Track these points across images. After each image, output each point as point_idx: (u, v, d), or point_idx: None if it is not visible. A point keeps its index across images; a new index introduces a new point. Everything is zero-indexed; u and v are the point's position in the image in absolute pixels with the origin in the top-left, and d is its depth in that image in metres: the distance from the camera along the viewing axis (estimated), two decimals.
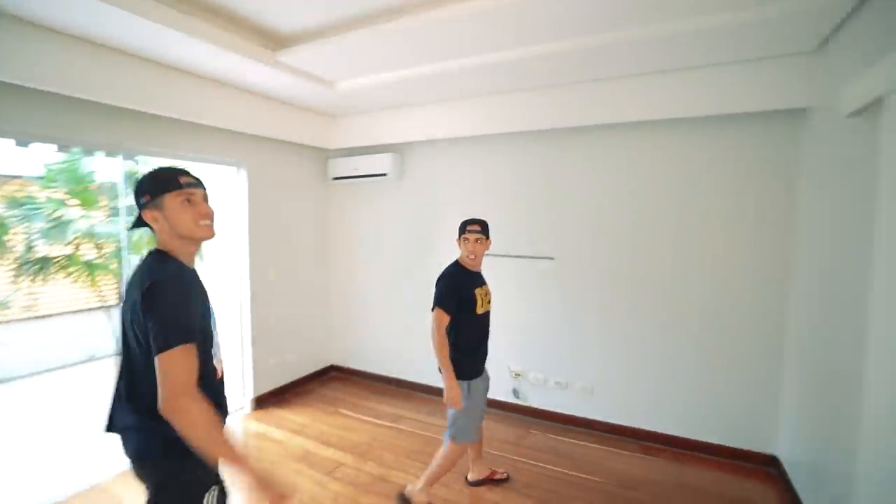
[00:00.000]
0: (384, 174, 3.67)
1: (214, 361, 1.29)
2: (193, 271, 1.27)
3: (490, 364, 2.40)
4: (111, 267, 4.71)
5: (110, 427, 1.23)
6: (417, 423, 3.29)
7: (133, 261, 4.95)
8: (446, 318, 2.14)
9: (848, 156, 1.87)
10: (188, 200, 1.21)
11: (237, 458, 1.11)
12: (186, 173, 1.24)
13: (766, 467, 2.66)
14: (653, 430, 2.99)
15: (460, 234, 2.26)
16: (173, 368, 1.08)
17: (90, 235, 4.60)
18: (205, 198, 1.27)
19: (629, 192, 2.96)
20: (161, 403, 1.07)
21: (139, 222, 1.24)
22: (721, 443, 2.80)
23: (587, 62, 2.50)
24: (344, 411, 3.48)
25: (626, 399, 3.06)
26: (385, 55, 2.53)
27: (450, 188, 3.59)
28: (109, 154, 2.70)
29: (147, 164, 4.90)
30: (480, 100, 3.18)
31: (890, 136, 1.44)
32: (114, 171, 4.75)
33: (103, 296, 5.00)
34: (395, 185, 3.84)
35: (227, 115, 2.99)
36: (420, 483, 2.26)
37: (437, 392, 3.68)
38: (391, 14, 2.14)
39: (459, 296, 2.18)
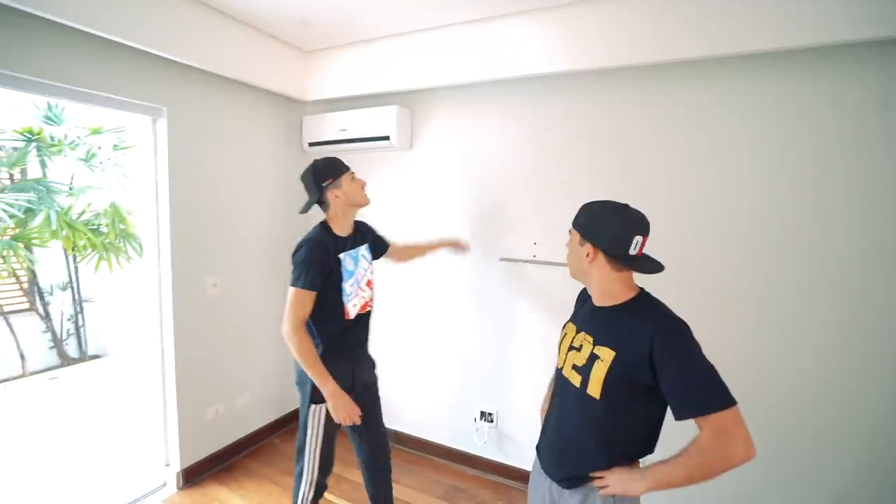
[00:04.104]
0: (385, 137, 2.46)
1: (347, 306, 1.64)
2: (344, 238, 1.67)
3: None
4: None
5: None
6: None
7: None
8: None
9: None
10: (353, 178, 1.67)
11: (321, 374, 1.55)
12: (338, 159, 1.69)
13: None
14: None
15: None
16: (295, 302, 1.53)
17: None
18: None
19: (766, 168, 1.81)
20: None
21: (315, 203, 1.65)
22: None
23: None
24: None
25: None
26: None
27: (489, 161, 2.39)
28: None
29: None
30: (544, 15, 2.00)
31: None
32: None
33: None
34: (402, 155, 2.63)
35: (148, 31, 1.80)
36: None
37: (465, 460, 2.57)
38: None
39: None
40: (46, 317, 3.99)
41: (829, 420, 1.79)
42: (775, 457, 1.87)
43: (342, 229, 1.68)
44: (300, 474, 1.68)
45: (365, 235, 1.81)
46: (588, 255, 1.08)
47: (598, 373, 1.04)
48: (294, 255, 1.56)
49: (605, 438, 1.08)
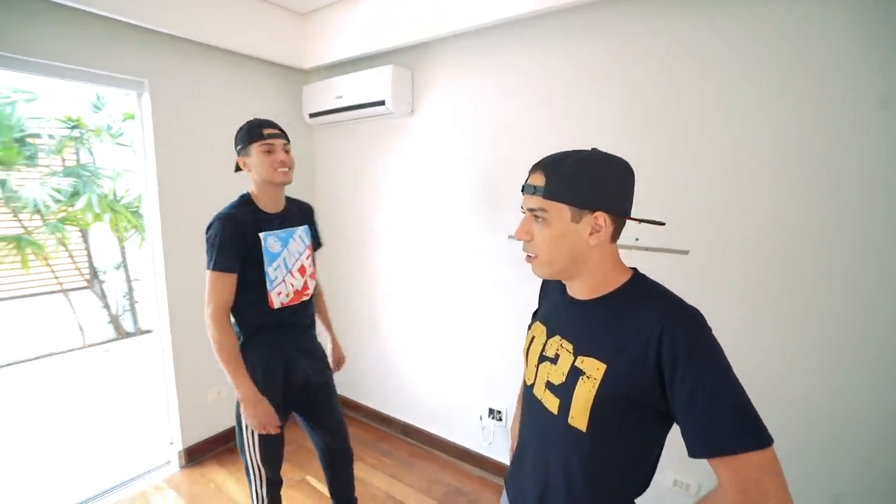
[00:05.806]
0: (380, 102, 2.22)
1: (272, 294, 1.41)
2: (271, 215, 1.45)
3: None
4: (48, 243, 3.69)
5: None
6: None
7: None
8: None
9: None
10: (268, 151, 1.37)
11: (236, 375, 1.34)
12: (271, 125, 1.43)
13: None
14: None
15: None
16: (211, 287, 1.35)
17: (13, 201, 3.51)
18: (285, 147, 1.43)
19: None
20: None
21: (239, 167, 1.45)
22: None
23: None
24: (313, 481, 2.23)
25: None
26: None
27: (495, 124, 2.07)
28: None
29: None
30: None
31: None
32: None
33: (59, 278, 4.07)
34: (402, 123, 2.38)
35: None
36: None
37: (472, 459, 2.34)
38: None
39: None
40: (102, 294, 4.30)
41: (845, 419, 1.35)
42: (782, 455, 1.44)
43: (268, 205, 1.47)
44: (247, 473, 1.54)
45: (308, 217, 1.61)
46: (593, 231, 0.76)
47: (584, 395, 0.73)
48: (206, 232, 1.38)
49: (596, 483, 0.78)
